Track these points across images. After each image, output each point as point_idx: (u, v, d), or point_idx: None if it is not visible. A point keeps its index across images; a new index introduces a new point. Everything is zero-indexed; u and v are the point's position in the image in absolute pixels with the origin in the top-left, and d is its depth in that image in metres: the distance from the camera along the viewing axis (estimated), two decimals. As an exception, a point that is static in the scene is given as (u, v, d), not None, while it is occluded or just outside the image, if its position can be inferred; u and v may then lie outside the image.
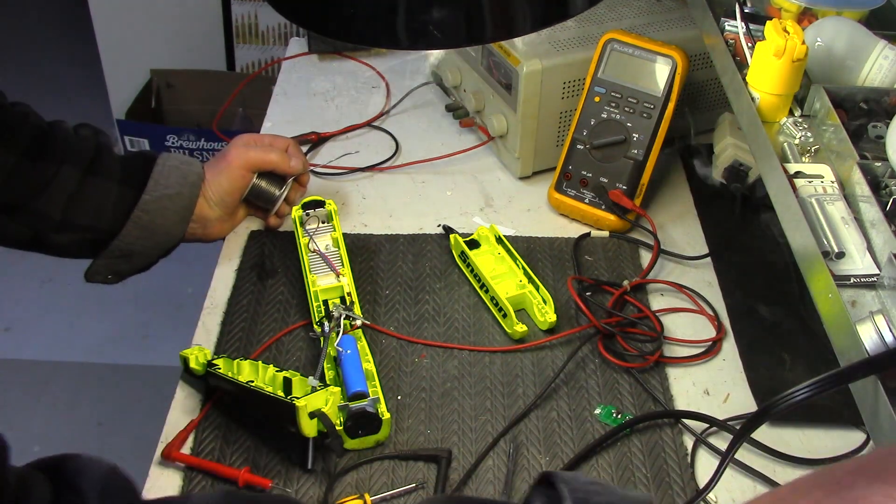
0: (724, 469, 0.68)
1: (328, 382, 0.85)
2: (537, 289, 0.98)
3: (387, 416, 0.84)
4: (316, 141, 1.24)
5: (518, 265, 1.01)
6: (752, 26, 0.89)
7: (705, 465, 0.83)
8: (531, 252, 1.06)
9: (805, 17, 0.94)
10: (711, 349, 0.94)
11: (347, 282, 0.97)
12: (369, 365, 0.88)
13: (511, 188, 1.17)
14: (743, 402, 0.89)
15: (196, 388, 0.89)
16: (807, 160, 0.80)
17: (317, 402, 0.78)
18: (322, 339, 0.88)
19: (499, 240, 1.04)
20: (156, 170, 0.96)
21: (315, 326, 0.92)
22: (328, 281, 0.97)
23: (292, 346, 0.94)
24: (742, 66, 0.88)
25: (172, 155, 0.99)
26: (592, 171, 1.08)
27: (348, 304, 0.94)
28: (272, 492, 0.79)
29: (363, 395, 0.83)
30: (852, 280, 0.67)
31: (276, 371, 0.84)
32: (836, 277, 0.66)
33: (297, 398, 0.78)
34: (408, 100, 1.34)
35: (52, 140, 0.92)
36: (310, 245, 1.00)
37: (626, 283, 1.00)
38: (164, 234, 0.97)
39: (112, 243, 0.95)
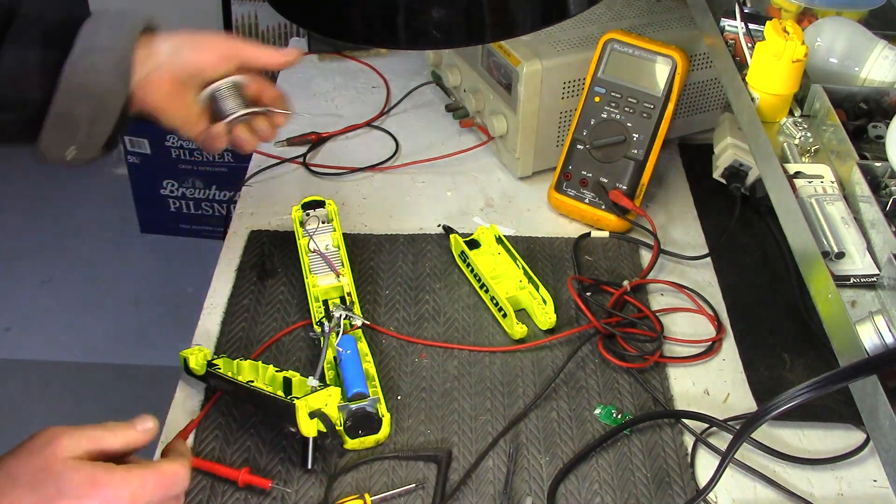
0: (724, 469, 0.68)
1: (328, 382, 0.85)
2: (537, 289, 0.98)
3: (387, 416, 0.84)
4: (316, 141, 1.24)
5: (518, 265, 1.01)
6: (752, 26, 0.89)
7: (705, 465, 0.83)
8: (531, 252, 1.06)
9: (805, 17, 0.94)
10: (711, 349, 0.94)
11: (347, 282, 0.97)
12: (369, 365, 0.88)
13: (511, 188, 1.17)
14: (743, 402, 0.89)
15: (196, 388, 0.89)
16: (807, 160, 0.80)
17: (317, 402, 0.78)
18: (322, 339, 0.88)
19: (499, 240, 1.04)
20: (84, 27, 0.85)
21: (315, 326, 0.92)
22: (328, 281, 0.97)
23: (292, 346, 0.94)
24: (742, 66, 0.88)
25: (112, 10, 0.88)
26: (592, 171, 1.08)
27: (348, 304, 0.94)
28: (272, 492, 0.79)
29: (363, 395, 0.83)
30: (852, 280, 0.67)
31: (276, 371, 0.84)
32: (836, 277, 0.66)
33: (297, 398, 0.78)
34: (408, 100, 1.34)
35: None
36: (310, 245, 1.00)
37: (626, 283, 1.00)
38: (105, 95, 0.85)
39: (49, 114, 0.84)
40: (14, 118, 0.85)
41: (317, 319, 0.92)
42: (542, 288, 0.97)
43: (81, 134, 0.86)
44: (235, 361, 0.86)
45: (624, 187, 1.06)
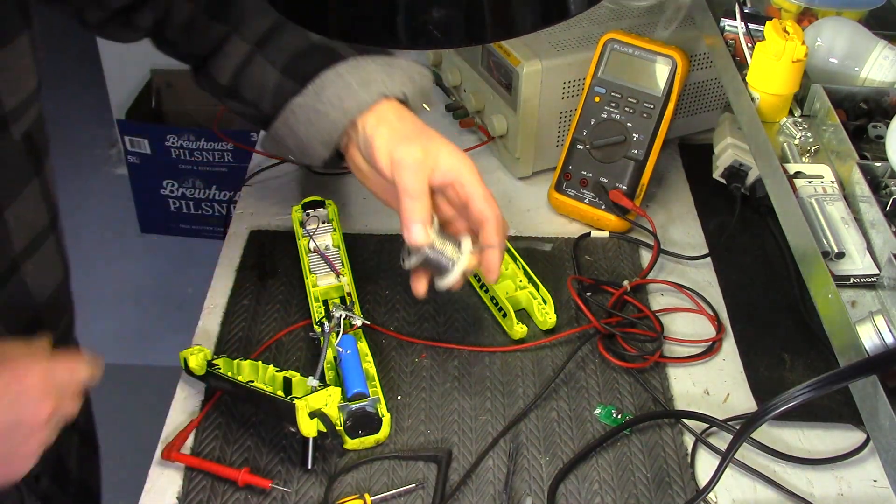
0: (724, 469, 0.68)
1: (328, 382, 0.85)
2: (537, 289, 0.98)
3: (387, 416, 0.84)
4: (316, 141, 1.24)
5: (518, 265, 1.01)
6: (752, 26, 0.89)
7: (705, 465, 0.83)
8: (531, 252, 1.06)
9: (805, 17, 0.94)
10: (711, 349, 0.94)
11: (347, 282, 0.97)
12: (369, 365, 0.88)
13: (511, 188, 1.17)
14: (743, 402, 0.89)
15: (196, 388, 0.89)
16: (807, 160, 0.80)
17: (317, 402, 0.78)
18: (322, 339, 0.88)
19: (499, 240, 1.04)
20: (324, 74, 0.83)
21: (315, 326, 0.92)
22: (328, 281, 0.97)
23: (292, 346, 0.94)
24: (742, 66, 0.88)
25: (361, 64, 0.83)
26: (592, 171, 1.08)
27: (348, 304, 0.94)
28: (272, 492, 0.79)
29: (363, 396, 0.83)
30: (852, 280, 0.67)
31: (276, 371, 0.84)
32: (836, 277, 0.66)
33: (297, 398, 0.78)
34: (408, 100, 1.33)
35: (233, 4, 0.88)
36: (310, 245, 1.00)
37: (626, 283, 1.00)
38: (307, 146, 0.86)
39: (270, 127, 0.88)
40: (247, 112, 0.91)
41: (317, 319, 0.92)
42: (542, 288, 0.97)
43: (294, 154, 0.89)
44: (235, 361, 0.86)
45: (624, 187, 1.06)
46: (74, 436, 0.95)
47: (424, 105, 0.89)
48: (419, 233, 0.78)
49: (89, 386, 0.72)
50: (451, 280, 0.81)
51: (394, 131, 0.81)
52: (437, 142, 0.81)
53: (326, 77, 0.83)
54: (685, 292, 1.01)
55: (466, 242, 0.81)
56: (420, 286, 0.85)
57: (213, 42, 0.89)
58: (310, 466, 0.80)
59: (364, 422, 0.82)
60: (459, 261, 0.80)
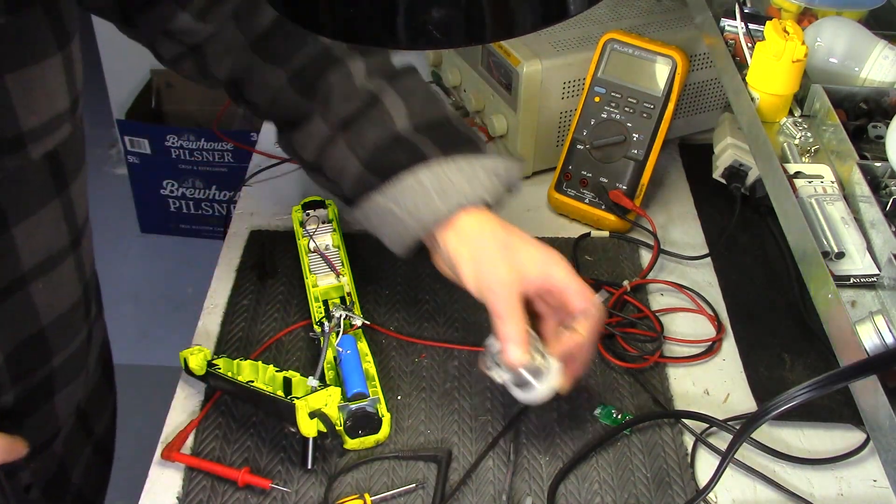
0: (724, 469, 0.68)
1: (328, 382, 0.85)
2: (537, 289, 0.98)
3: (387, 416, 0.84)
4: (316, 141, 1.24)
5: (518, 265, 1.00)
6: (752, 26, 0.89)
7: (705, 465, 0.83)
8: (531, 252, 1.06)
9: (805, 17, 0.94)
10: (711, 349, 0.94)
11: (347, 282, 0.97)
12: (369, 365, 0.88)
13: (511, 188, 1.17)
14: (743, 402, 0.89)
15: (196, 388, 0.89)
16: (807, 160, 0.80)
17: (317, 402, 0.78)
18: (322, 339, 0.88)
19: (499, 240, 1.04)
20: (404, 176, 0.80)
21: (315, 326, 0.92)
22: (328, 281, 0.97)
23: (292, 346, 0.94)
24: (742, 66, 0.88)
25: (443, 168, 0.79)
26: (592, 171, 1.08)
27: (348, 304, 0.94)
28: (272, 492, 0.79)
29: (363, 396, 0.83)
30: (852, 280, 0.67)
31: (276, 371, 0.84)
32: (836, 277, 0.66)
33: (297, 398, 0.78)
34: (408, 100, 1.33)
35: (322, 79, 0.85)
36: (310, 245, 1.00)
37: (626, 283, 1.00)
38: (384, 240, 0.85)
39: (351, 209, 0.86)
40: (331, 188, 0.90)
41: (317, 319, 0.92)
42: (542, 288, 0.97)
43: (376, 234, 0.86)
44: (235, 361, 0.86)
45: (624, 187, 1.06)
46: (87, 446, 0.94)
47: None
48: (516, 354, 0.75)
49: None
50: (537, 399, 0.77)
51: (475, 251, 0.78)
52: (521, 251, 0.79)
53: (406, 182, 0.80)
54: (685, 292, 1.01)
55: (556, 364, 0.77)
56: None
57: (296, 116, 0.88)
58: (310, 466, 0.80)
59: (364, 422, 0.82)
60: (547, 379, 0.77)
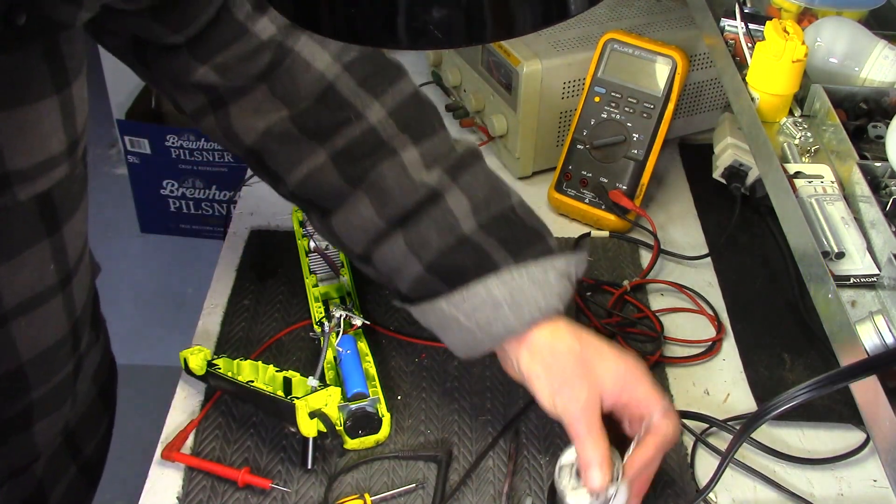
0: (724, 469, 0.68)
1: (328, 382, 0.85)
2: (537, 289, 0.97)
3: (387, 416, 0.84)
4: (316, 141, 1.24)
5: (518, 265, 1.00)
6: (752, 26, 0.89)
7: (705, 465, 0.83)
8: (531, 252, 1.06)
9: (805, 17, 0.94)
10: (711, 349, 0.94)
11: (347, 282, 0.97)
12: (369, 365, 0.88)
13: (511, 188, 1.17)
14: (743, 402, 0.89)
15: (196, 388, 0.89)
16: (807, 160, 0.80)
17: (317, 402, 0.78)
18: (322, 339, 0.88)
19: (499, 240, 1.04)
20: (474, 287, 0.75)
21: (315, 326, 0.92)
22: (328, 281, 0.97)
23: (292, 346, 0.94)
24: (742, 66, 0.88)
25: (514, 278, 0.74)
26: (592, 171, 1.08)
27: (348, 304, 0.94)
28: (272, 492, 0.79)
29: (363, 396, 0.83)
30: (852, 280, 0.67)
31: (276, 371, 0.84)
32: (836, 277, 0.66)
33: (297, 398, 0.78)
34: (408, 100, 1.33)
35: (371, 165, 0.77)
36: (310, 245, 1.00)
37: (626, 283, 1.00)
38: (446, 344, 0.80)
39: (409, 307, 0.81)
40: (383, 282, 0.84)
41: (317, 319, 0.92)
42: (542, 288, 0.97)
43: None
44: (235, 361, 0.86)
45: (624, 187, 1.06)
46: (73, 466, 0.91)
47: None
48: (599, 479, 0.70)
49: None
50: None
51: (550, 369, 0.74)
52: (598, 365, 0.74)
53: (474, 291, 0.74)
54: (685, 292, 1.01)
55: (623, 488, 0.72)
56: None
57: (336, 201, 0.79)
58: (310, 466, 0.80)
59: (364, 422, 0.82)
60: (618, 501, 0.72)
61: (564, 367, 0.74)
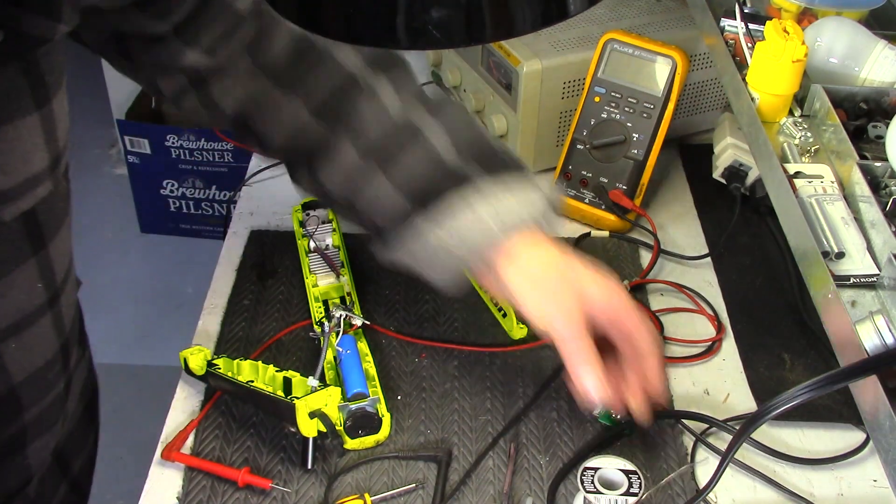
0: (724, 469, 0.68)
1: (328, 382, 0.85)
2: (537, 289, 0.97)
3: (387, 416, 0.84)
4: (316, 141, 1.24)
5: (518, 265, 1.00)
6: (752, 26, 0.89)
7: (705, 465, 0.83)
8: (531, 252, 1.06)
9: (805, 17, 0.94)
10: (711, 349, 0.94)
11: (347, 282, 0.97)
12: (369, 365, 0.88)
13: (511, 188, 1.17)
14: (743, 402, 0.89)
15: (196, 388, 0.89)
16: (807, 160, 0.80)
17: (317, 402, 0.78)
18: (322, 339, 0.88)
19: (499, 240, 1.04)
20: (452, 200, 0.74)
21: (315, 326, 0.92)
22: (328, 281, 0.97)
23: (292, 346, 0.94)
24: (742, 66, 0.88)
25: (495, 190, 0.74)
26: (592, 171, 1.08)
27: (348, 304, 0.94)
28: (272, 492, 0.79)
29: (363, 396, 0.83)
30: (852, 280, 0.67)
31: (276, 371, 0.84)
32: (836, 277, 0.66)
33: (297, 398, 0.78)
34: (408, 100, 1.33)
35: (350, 106, 0.78)
36: (310, 245, 1.00)
37: (625, 283, 1.00)
38: (425, 269, 0.78)
39: (386, 241, 0.80)
40: (360, 220, 0.83)
41: (317, 319, 0.92)
42: (542, 288, 0.97)
43: (408, 267, 0.81)
44: (235, 361, 0.86)
45: (624, 187, 1.06)
46: (63, 484, 0.90)
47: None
48: (591, 380, 0.71)
49: None
50: None
51: (535, 282, 0.74)
52: (583, 276, 0.75)
53: (454, 206, 0.74)
54: (685, 292, 1.01)
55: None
56: None
57: (319, 147, 0.80)
58: (310, 466, 0.80)
59: (364, 422, 0.82)
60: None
61: (549, 278, 0.74)
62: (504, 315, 0.95)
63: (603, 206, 1.08)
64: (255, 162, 1.21)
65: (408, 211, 0.77)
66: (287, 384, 0.83)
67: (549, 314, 0.73)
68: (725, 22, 0.94)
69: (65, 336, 0.77)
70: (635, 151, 1.06)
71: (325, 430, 0.78)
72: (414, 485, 0.80)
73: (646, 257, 1.06)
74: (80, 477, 0.94)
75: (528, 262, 0.74)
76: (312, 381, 0.80)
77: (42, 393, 0.76)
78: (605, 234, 1.09)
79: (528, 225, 0.75)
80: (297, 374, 0.83)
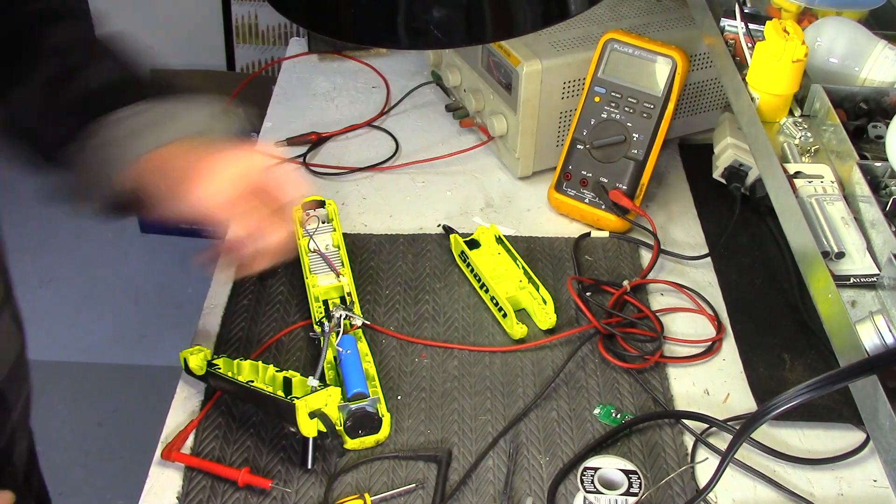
0: (724, 469, 0.68)
1: (328, 382, 0.85)
2: (537, 289, 0.98)
3: (387, 416, 0.84)
4: (316, 141, 1.24)
5: (518, 265, 1.01)
6: (752, 26, 0.89)
7: (705, 465, 0.83)
8: (531, 252, 1.06)
9: (805, 17, 0.94)
10: (711, 349, 0.94)
11: (347, 282, 0.97)
12: (369, 365, 0.88)
13: (511, 188, 1.17)
14: (743, 402, 0.89)
15: (196, 388, 0.89)
16: (807, 160, 0.80)
17: (317, 402, 0.78)
18: (322, 339, 0.88)
19: (499, 240, 1.04)
20: (118, 113, 0.77)
21: (315, 326, 0.92)
22: (328, 281, 0.97)
23: (292, 346, 0.94)
24: (742, 66, 0.88)
25: (154, 106, 0.79)
26: (592, 171, 1.08)
27: (348, 304, 0.94)
28: (272, 492, 0.79)
29: (363, 396, 0.83)
30: (852, 280, 0.67)
31: (276, 371, 0.84)
32: (836, 277, 0.66)
33: (297, 398, 0.78)
34: (408, 100, 1.34)
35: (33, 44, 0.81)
36: (310, 245, 1.00)
37: (626, 283, 1.00)
38: (83, 189, 0.79)
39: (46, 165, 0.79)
40: (20, 144, 0.82)
41: (317, 319, 0.92)
42: (542, 288, 0.97)
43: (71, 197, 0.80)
44: (235, 361, 0.86)
45: (624, 187, 1.06)
46: (31, 501, 0.90)
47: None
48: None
49: None
50: None
51: (176, 176, 0.77)
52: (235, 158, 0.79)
53: (114, 116, 0.77)
54: (685, 292, 1.01)
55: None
56: None
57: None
58: (310, 466, 0.80)
59: (364, 422, 0.82)
60: None
61: (186, 171, 0.76)
62: (504, 315, 0.95)
63: (603, 206, 1.08)
64: (255, 162, 1.21)
65: (70, 121, 0.77)
66: (287, 384, 0.83)
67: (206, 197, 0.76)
68: (725, 22, 0.94)
69: (23, 330, 0.77)
70: (635, 151, 1.06)
71: (325, 430, 0.78)
72: (414, 485, 0.80)
73: (646, 257, 1.06)
74: (41, 493, 0.94)
75: (173, 160, 0.77)
76: (312, 381, 0.80)
77: (19, 389, 0.76)
78: (605, 234, 1.09)
79: (188, 134, 0.78)
80: (297, 374, 0.83)
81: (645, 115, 1.06)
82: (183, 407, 0.88)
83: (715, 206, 1.13)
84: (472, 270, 1.01)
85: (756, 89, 0.84)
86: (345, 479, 0.81)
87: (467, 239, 1.04)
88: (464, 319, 0.97)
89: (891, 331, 0.59)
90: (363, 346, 0.90)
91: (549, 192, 1.12)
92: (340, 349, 0.88)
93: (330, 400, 0.79)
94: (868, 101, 0.84)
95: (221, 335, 0.95)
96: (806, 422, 0.87)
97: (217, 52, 2.47)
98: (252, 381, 0.83)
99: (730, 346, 0.95)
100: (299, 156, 1.21)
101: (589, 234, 1.09)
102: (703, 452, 0.84)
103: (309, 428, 0.77)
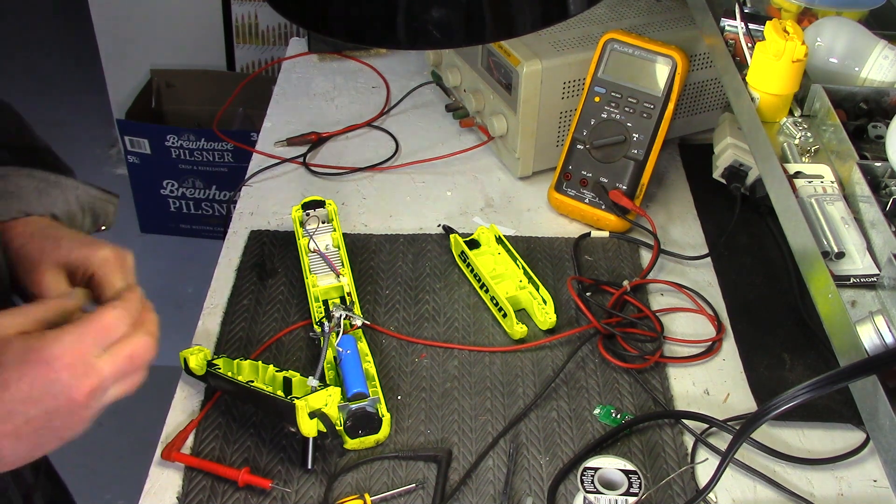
0: (724, 469, 0.68)
1: (328, 382, 0.85)
2: (537, 289, 0.98)
3: (387, 416, 0.84)
4: (316, 141, 1.24)
5: (518, 265, 1.01)
6: (752, 26, 0.89)
7: (705, 465, 0.83)
8: (531, 252, 1.06)
9: (805, 17, 0.94)
10: (711, 349, 0.94)
11: (347, 282, 0.97)
12: (369, 365, 0.88)
13: (511, 188, 1.17)
14: (743, 402, 0.89)
15: (196, 388, 0.89)
16: (807, 160, 0.80)
17: (317, 402, 0.78)
18: (322, 339, 0.88)
19: (499, 240, 1.04)
20: None
21: (315, 326, 0.92)
22: (328, 281, 0.97)
23: (292, 346, 0.94)
24: (742, 66, 0.88)
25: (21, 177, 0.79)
26: (592, 171, 1.08)
27: (348, 304, 0.94)
28: (272, 492, 0.79)
29: (363, 396, 0.83)
30: (852, 280, 0.67)
31: (276, 371, 0.84)
32: (836, 277, 0.66)
33: (297, 398, 0.78)
34: (408, 100, 1.34)
35: None
36: (310, 245, 1.00)
37: (626, 283, 1.00)
38: None
39: None
40: None
41: (317, 319, 0.92)
42: (542, 288, 0.97)
43: None
44: (235, 361, 0.86)
45: (624, 187, 1.06)
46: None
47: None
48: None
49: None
50: None
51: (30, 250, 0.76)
52: (62, 238, 0.79)
53: None
54: (685, 292, 1.01)
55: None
56: None
57: None
58: (310, 466, 0.80)
59: (364, 422, 0.82)
60: None
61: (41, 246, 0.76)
62: (504, 315, 0.95)
63: (603, 206, 1.08)
64: (256, 162, 1.21)
65: None
66: (287, 384, 0.83)
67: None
68: (725, 22, 0.94)
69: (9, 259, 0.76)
70: (635, 151, 1.06)
71: (325, 430, 0.78)
72: (414, 485, 0.80)
73: (646, 257, 1.06)
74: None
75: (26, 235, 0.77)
76: (312, 381, 0.80)
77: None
78: (605, 234, 1.09)
79: (38, 213, 0.79)
80: (297, 374, 0.83)
81: (645, 115, 1.06)
82: (183, 407, 0.88)
83: (715, 206, 1.13)
84: (472, 270, 1.01)
85: (756, 89, 0.84)
86: (345, 479, 0.81)
87: (467, 239, 1.04)
88: (464, 319, 0.97)
89: (891, 331, 0.59)
90: (363, 346, 0.90)
91: (549, 192, 1.12)
92: (340, 349, 0.88)
93: (330, 400, 0.79)
94: (868, 101, 0.84)
95: (221, 335, 0.95)
96: (806, 422, 0.87)
97: (217, 52, 2.47)
98: (252, 381, 0.83)
99: (730, 346, 0.95)
100: (299, 156, 1.21)
101: (589, 234, 1.09)
102: (703, 452, 0.84)
103: (309, 428, 0.77)
